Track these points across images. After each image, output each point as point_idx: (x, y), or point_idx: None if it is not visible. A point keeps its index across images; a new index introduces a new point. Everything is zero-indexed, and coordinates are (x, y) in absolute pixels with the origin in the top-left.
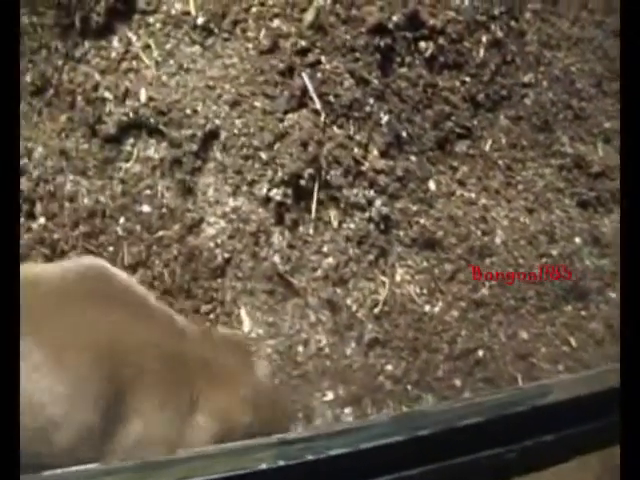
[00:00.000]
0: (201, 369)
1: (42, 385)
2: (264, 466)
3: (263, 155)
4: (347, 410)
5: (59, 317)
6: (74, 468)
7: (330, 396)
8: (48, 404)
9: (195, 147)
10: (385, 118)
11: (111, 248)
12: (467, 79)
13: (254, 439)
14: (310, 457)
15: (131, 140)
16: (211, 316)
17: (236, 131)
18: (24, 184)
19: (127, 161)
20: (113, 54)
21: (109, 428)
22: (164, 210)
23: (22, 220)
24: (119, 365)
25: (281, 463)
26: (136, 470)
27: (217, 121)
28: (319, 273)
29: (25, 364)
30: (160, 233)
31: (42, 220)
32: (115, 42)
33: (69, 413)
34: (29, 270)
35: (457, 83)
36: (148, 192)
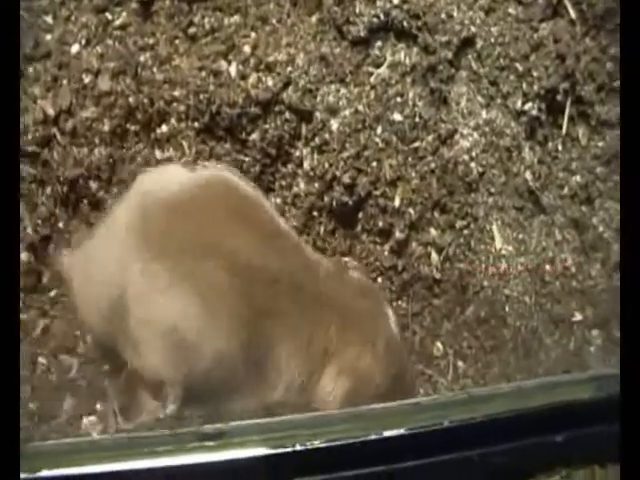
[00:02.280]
0: (336, 313)
1: (174, 308)
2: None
3: (519, 66)
4: (595, 332)
5: (185, 235)
6: None
7: (578, 317)
8: (182, 328)
9: (450, 54)
10: None
11: (374, 163)
12: None
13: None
14: None
15: (379, 43)
16: (465, 232)
17: (492, 40)
18: (291, 95)
19: (378, 66)
20: None
21: (249, 360)
22: (417, 120)
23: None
24: (255, 292)
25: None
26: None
27: (473, 28)
28: (566, 191)
29: (152, 287)
30: (415, 144)
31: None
32: None
33: (205, 337)
34: (154, 181)
35: None
36: (399, 99)
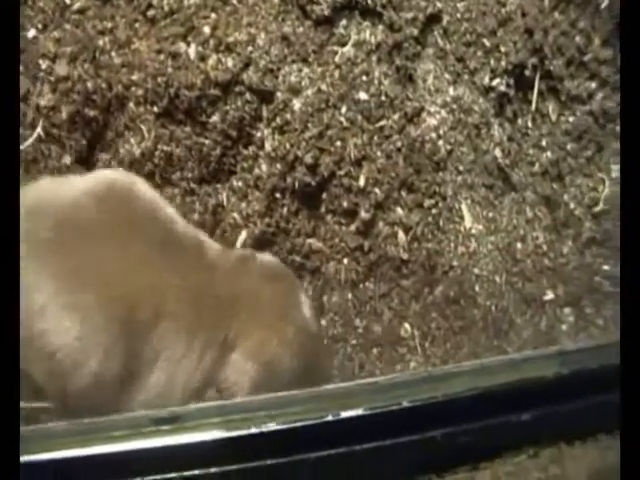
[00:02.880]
0: (237, 305)
1: (51, 327)
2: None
3: (486, 42)
4: (567, 310)
5: (71, 251)
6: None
7: (550, 295)
8: (58, 348)
9: (416, 31)
10: (605, 2)
11: (338, 143)
12: None
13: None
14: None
15: (344, 22)
16: (433, 211)
17: (459, 15)
18: (251, 76)
19: (343, 45)
20: None
21: (127, 379)
22: (383, 98)
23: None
24: (134, 308)
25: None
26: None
27: (439, 4)
28: (537, 168)
29: (32, 303)
30: (381, 123)
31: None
32: None
33: (80, 360)
34: (41, 192)
35: None
36: (364, 78)
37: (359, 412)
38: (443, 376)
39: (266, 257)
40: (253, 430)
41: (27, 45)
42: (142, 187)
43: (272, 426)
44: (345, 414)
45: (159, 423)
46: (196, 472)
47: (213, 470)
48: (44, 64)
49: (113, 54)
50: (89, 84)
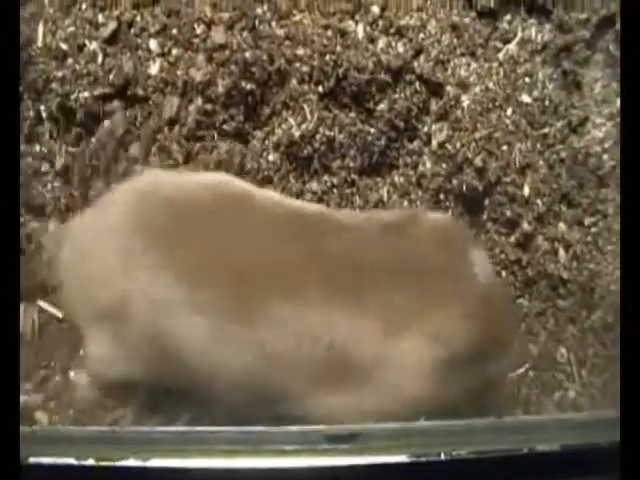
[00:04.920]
0: (397, 275)
1: (178, 320)
2: None
3: None
4: None
5: (192, 238)
6: None
7: None
8: (185, 341)
9: (587, 34)
10: None
11: (505, 147)
12: None
13: None
14: None
15: (508, 17)
16: (593, 229)
17: None
18: (423, 65)
19: (507, 42)
20: None
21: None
22: (547, 103)
23: None
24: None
25: None
26: None
27: (613, 5)
28: None
29: (156, 295)
30: (544, 130)
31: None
32: None
33: (208, 353)
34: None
35: None
36: (527, 80)
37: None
38: None
39: (438, 215)
40: (442, 457)
41: (181, 7)
42: (248, 186)
43: (463, 454)
44: (540, 448)
45: (334, 441)
46: None
47: None
48: (199, 29)
49: (274, 24)
50: (247, 54)
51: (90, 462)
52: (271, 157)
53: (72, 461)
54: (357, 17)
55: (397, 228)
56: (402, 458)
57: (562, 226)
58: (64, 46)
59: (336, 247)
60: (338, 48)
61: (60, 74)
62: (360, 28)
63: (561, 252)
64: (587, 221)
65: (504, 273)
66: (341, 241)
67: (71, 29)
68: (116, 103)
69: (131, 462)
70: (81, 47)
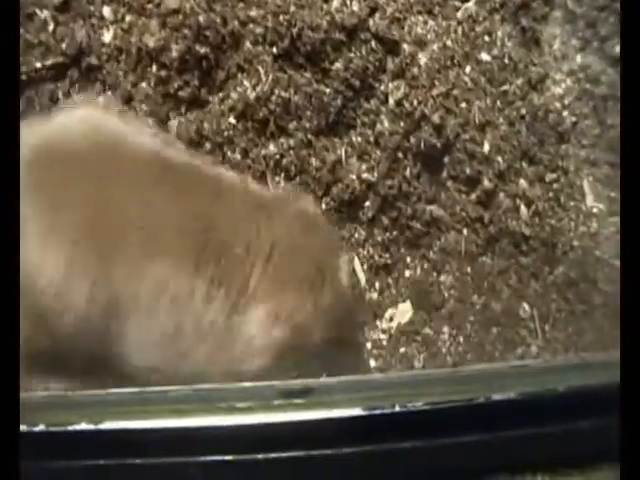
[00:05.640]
0: (261, 250)
1: (34, 264)
2: None
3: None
4: None
5: (59, 187)
6: None
7: None
8: (43, 286)
9: None
10: None
11: (464, 104)
12: None
13: None
14: None
15: None
16: (555, 186)
17: None
18: (378, 23)
19: (465, 1)
20: None
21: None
22: (506, 61)
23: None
24: (115, 244)
25: None
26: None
27: None
28: None
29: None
30: (504, 87)
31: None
32: None
33: (62, 298)
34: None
35: None
36: (487, 38)
37: (511, 396)
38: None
39: (307, 203)
40: (397, 409)
41: None
42: (114, 120)
43: (419, 406)
44: (496, 397)
45: (289, 396)
46: (329, 452)
47: (348, 450)
48: None
49: None
50: (201, 18)
51: (41, 428)
52: (229, 121)
53: (22, 427)
54: None
55: (268, 208)
56: (357, 411)
57: (523, 183)
58: None
59: (191, 205)
60: (292, 8)
61: None
62: None
63: (523, 209)
64: (548, 177)
65: (466, 231)
66: (200, 199)
67: None
68: None
69: (83, 426)
70: (31, 16)
